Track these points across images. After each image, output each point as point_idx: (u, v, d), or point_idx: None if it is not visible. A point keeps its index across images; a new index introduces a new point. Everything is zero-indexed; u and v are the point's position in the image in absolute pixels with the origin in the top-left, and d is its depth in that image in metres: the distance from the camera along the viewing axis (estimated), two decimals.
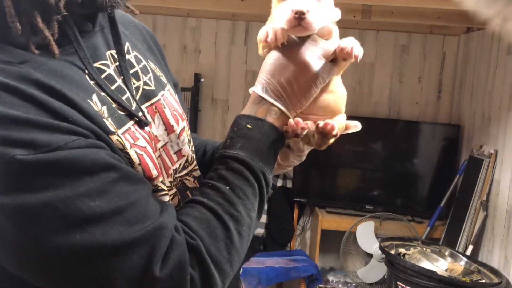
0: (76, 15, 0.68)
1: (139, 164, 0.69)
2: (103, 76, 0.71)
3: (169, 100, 0.84)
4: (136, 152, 0.69)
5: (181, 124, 0.85)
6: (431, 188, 3.70)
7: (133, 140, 0.70)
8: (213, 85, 3.90)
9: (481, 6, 1.09)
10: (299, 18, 0.71)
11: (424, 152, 3.73)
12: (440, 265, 2.69)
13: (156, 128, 0.78)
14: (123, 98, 0.72)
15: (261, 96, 0.76)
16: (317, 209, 3.68)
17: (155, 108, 0.79)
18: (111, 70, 0.74)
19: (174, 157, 0.81)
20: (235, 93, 3.90)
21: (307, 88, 0.76)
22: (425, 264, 2.65)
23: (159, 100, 0.81)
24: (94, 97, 0.67)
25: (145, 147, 0.71)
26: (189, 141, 0.88)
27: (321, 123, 0.78)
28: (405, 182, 3.71)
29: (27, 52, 0.64)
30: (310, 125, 0.79)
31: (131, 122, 0.71)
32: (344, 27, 3.85)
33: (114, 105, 0.70)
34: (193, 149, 0.89)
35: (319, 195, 3.74)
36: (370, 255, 3.31)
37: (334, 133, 0.78)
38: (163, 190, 0.74)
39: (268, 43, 0.76)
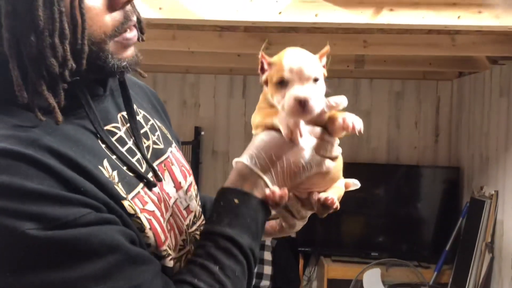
0: (87, 80, 0.70)
1: (150, 229, 0.69)
2: (114, 138, 0.72)
3: (177, 156, 0.85)
4: (145, 217, 0.69)
5: (189, 180, 0.86)
6: (435, 232, 3.68)
7: (142, 205, 0.70)
8: (214, 137, 3.96)
9: None
10: (303, 105, 0.72)
11: (426, 196, 3.74)
12: None
13: (167, 185, 0.78)
14: (134, 159, 0.73)
15: (248, 167, 0.74)
16: (322, 258, 3.64)
17: (164, 166, 0.80)
18: (122, 132, 0.75)
19: (184, 213, 0.81)
20: (235, 144, 3.95)
21: (296, 169, 0.75)
22: None
23: (167, 157, 0.82)
24: (105, 162, 0.68)
25: (153, 211, 0.71)
26: (196, 196, 0.88)
27: (322, 197, 0.79)
28: (409, 226, 3.70)
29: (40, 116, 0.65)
30: (291, 194, 0.78)
31: (141, 185, 0.72)
32: (339, 77, 3.96)
33: (125, 167, 0.70)
34: (199, 203, 0.89)
35: (324, 243, 3.72)
36: None
37: (334, 206, 0.79)
38: (170, 255, 0.73)
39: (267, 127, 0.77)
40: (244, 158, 0.75)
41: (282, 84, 0.73)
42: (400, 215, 3.71)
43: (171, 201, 0.78)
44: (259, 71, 0.78)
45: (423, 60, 3.34)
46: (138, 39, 0.73)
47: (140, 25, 0.74)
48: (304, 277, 3.79)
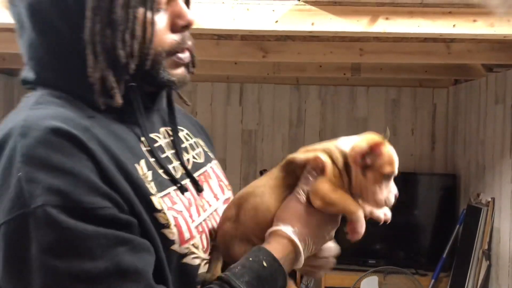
0: (141, 90, 0.78)
1: (174, 226, 0.73)
2: (156, 145, 0.80)
3: (216, 172, 0.93)
4: (172, 215, 0.74)
5: (227, 193, 0.92)
6: (432, 239, 3.68)
7: (171, 204, 0.75)
8: None
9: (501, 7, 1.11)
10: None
11: (423, 203, 3.74)
12: None
13: (207, 194, 0.85)
14: (170, 166, 0.79)
15: (290, 238, 0.77)
16: None
17: (203, 178, 0.87)
18: (162, 142, 0.82)
19: None
20: (232, 151, 3.95)
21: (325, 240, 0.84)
22: None
23: (205, 171, 0.89)
24: (142, 162, 0.74)
25: (181, 211, 0.76)
26: None
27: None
28: (407, 234, 3.70)
29: (94, 111, 0.73)
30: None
31: (173, 188, 0.77)
32: (335, 84, 3.98)
33: (161, 170, 0.76)
34: None
35: None
36: None
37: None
38: (194, 253, 0.77)
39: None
40: (290, 231, 0.77)
41: (387, 177, 0.78)
42: (397, 222, 3.70)
43: (211, 209, 0.85)
44: (366, 150, 0.78)
45: (419, 68, 3.36)
46: (188, 71, 0.81)
47: (193, 59, 0.82)
48: (301, 285, 3.78)
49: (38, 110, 0.70)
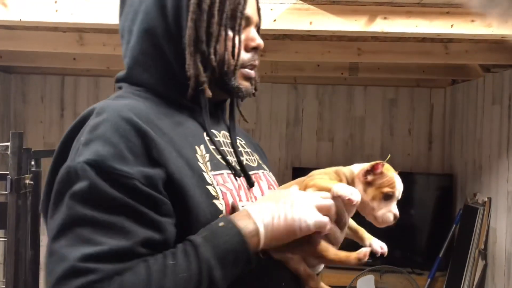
0: (213, 96, 0.91)
1: (222, 199, 0.83)
2: (216, 139, 0.92)
3: (268, 177, 1.02)
4: (221, 190, 0.84)
5: None
6: (429, 239, 3.69)
7: (223, 182, 0.86)
8: None
9: (485, 7, 1.13)
10: (395, 220, 0.92)
11: (419, 203, 3.75)
12: None
13: (256, 191, 0.94)
14: (226, 157, 0.91)
15: (252, 219, 0.80)
16: None
17: (254, 178, 0.96)
18: (220, 139, 0.94)
19: None
20: None
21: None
22: None
23: (257, 173, 0.99)
24: (202, 146, 0.87)
25: (231, 189, 0.87)
26: None
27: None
28: (403, 233, 3.70)
29: (168, 109, 0.88)
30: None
31: (228, 171, 0.89)
32: (333, 84, 3.98)
33: (219, 156, 0.89)
34: None
35: None
36: None
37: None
38: None
39: None
40: (251, 206, 0.83)
41: (387, 197, 0.89)
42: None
43: None
44: (368, 168, 0.90)
45: (416, 68, 3.36)
46: (252, 86, 0.96)
47: (255, 82, 0.97)
48: None
49: (117, 101, 0.85)
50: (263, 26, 1.07)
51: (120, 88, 0.94)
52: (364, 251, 0.87)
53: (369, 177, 0.89)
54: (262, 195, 0.94)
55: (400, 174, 0.93)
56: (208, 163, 0.86)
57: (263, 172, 1.01)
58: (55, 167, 0.81)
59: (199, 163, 0.84)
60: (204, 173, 0.83)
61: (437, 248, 3.46)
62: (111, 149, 0.76)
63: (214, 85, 0.90)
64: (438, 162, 3.95)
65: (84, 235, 0.73)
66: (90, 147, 0.77)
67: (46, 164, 1.12)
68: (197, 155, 0.85)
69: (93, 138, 0.77)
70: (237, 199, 0.86)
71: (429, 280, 3.38)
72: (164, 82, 0.90)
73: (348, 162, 0.98)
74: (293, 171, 3.85)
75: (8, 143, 1.88)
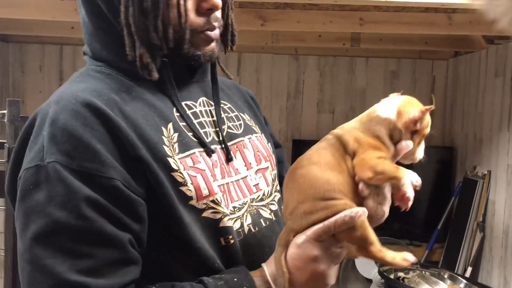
0: (178, 66, 0.87)
1: (191, 184, 0.81)
2: (190, 111, 0.88)
3: (255, 143, 0.98)
4: (189, 174, 0.81)
5: (263, 164, 0.97)
6: (427, 211, 3.71)
7: (193, 163, 0.83)
8: None
9: (490, 7, 1.12)
10: None
11: (419, 175, 3.74)
12: None
13: (238, 163, 0.91)
14: (202, 131, 0.87)
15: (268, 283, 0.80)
16: None
17: (236, 147, 0.93)
18: (197, 109, 0.90)
19: (253, 189, 0.92)
20: None
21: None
22: (425, 287, 2.64)
23: (241, 141, 0.95)
24: (170, 125, 0.83)
25: (204, 170, 0.83)
26: (273, 180, 0.98)
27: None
28: None
29: (133, 82, 0.83)
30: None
31: (199, 149, 0.85)
32: (335, 55, 3.94)
33: (190, 134, 0.85)
34: (276, 186, 0.99)
35: None
36: (369, 281, 3.29)
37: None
38: (213, 208, 0.83)
39: None
40: (270, 275, 0.81)
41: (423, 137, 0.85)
42: (392, 194, 3.73)
43: (239, 176, 0.90)
44: (420, 117, 0.85)
45: (419, 39, 3.32)
46: (226, 47, 0.94)
47: (231, 35, 0.95)
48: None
49: (78, 84, 0.81)
50: None
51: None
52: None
53: (419, 125, 0.85)
54: (245, 165, 0.92)
55: None
56: (176, 145, 0.82)
57: (249, 138, 0.97)
58: (21, 147, 0.78)
59: (164, 147, 0.80)
60: (169, 159, 0.80)
61: (436, 220, 3.48)
62: (78, 146, 0.73)
63: (172, 56, 0.84)
64: (439, 135, 3.93)
65: (66, 246, 0.71)
66: (55, 143, 0.73)
67: None
68: (163, 137, 0.81)
69: (57, 131, 0.74)
70: (211, 179, 0.83)
71: (427, 251, 3.41)
72: (124, 58, 0.82)
73: None
74: (293, 143, 3.84)
75: (5, 111, 1.87)
